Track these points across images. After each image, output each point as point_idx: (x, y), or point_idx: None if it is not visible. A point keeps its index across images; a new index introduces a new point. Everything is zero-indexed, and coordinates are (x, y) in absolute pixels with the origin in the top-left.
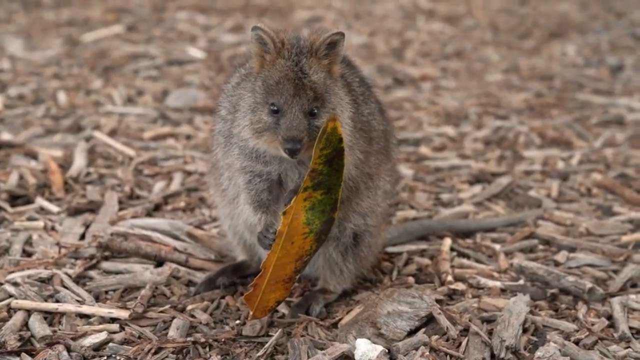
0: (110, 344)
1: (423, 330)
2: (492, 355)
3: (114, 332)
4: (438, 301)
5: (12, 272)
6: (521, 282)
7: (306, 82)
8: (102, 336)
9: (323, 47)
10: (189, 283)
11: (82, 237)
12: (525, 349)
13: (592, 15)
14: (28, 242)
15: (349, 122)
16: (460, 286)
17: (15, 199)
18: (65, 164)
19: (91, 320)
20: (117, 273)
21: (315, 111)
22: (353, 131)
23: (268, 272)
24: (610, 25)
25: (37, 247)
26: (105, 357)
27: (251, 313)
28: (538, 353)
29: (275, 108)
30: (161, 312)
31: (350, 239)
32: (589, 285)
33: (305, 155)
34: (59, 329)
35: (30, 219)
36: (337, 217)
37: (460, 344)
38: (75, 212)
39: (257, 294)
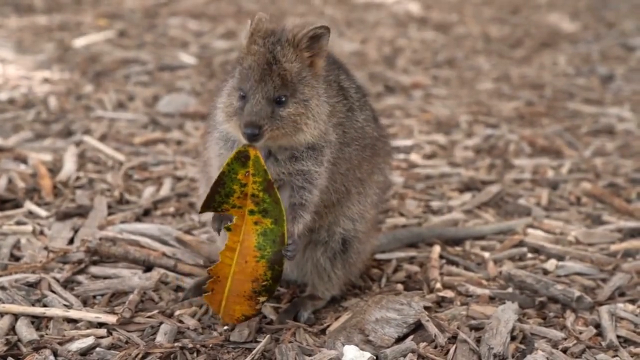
0: (98, 349)
1: (411, 337)
2: None
3: (102, 337)
4: (426, 308)
5: (0, 276)
6: (510, 290)
7: (275, 69)
8: (90, 341)
9: (305, 39)
10: (178, 288)
11: (71, 241)
12: (513, 357)
13: (583, 25)
14: (16, 246)
15: (324, 119)
16: (448, 293)
17: (3, 202)
18: (54, 169)
19: (79, 324)
20: (105, 278)
21: (283, 99)
22: (336, 130)
23: (226, 282)
24: (601, 35)
25: (25, 251)
26: None
27: (220, 315)
28: None
29: (243, 94)
30: (149, 317)
31: (339, 244)
32: (577, 293)
33: (271, 144)
34: (46, 334)
35: (18, 222)
36: (327, 221)
37: (448, 351)
38: (64, 216)
39: (219, 299)
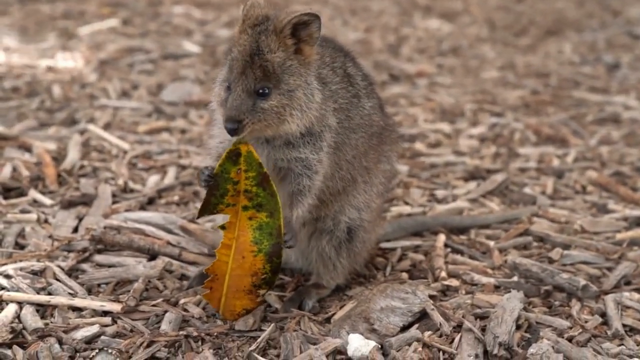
0: (102, 337)
1: (416, 325)
2: (485, 352)
3: (106, 325)
4: (431, 297)
5: (5, 264)
6: (515, 278)
7: (256, 60)
8: (94, 329)
9: (289, 27)
10: (182, 277)
11: (75, 230)
12: (518, 346)
13: (588, 13)
14: (21, 234)
15: (316, 107)
16: (453, 282)
17: (8, 191)
18: (59, 157)
19: (83, 313)
20: (109, 266)
21: (266, 91)
22: (338, 114)
23: (224, 279)
24: (606, 23)
25: (30, 239)
26: (97, 350)
27: (220, 312)
28: (531, 350)
29: (228, 85)
30: (154, 305)
31: (345, 233)
32: (582, 282)
33: (259, 135)
34: (51, 322)
35: (23, 211)
36: (333, 210)
37: (453, 340)
38: (68, 205)
39: (218, 296)
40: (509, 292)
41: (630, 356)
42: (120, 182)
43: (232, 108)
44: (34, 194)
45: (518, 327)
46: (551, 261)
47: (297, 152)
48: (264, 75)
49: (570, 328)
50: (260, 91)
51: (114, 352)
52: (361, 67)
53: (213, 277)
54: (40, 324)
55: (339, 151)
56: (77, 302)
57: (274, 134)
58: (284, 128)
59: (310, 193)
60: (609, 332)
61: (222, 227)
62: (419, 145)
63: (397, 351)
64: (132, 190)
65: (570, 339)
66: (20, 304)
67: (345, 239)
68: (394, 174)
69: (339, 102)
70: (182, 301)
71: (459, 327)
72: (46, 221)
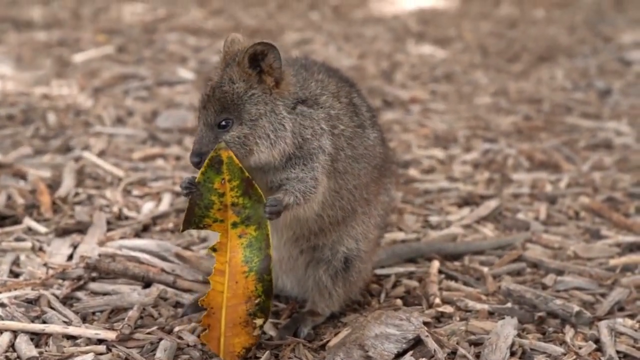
0: None
1: (410, 352)
2: None
3: (101, 354)
4: (426, 324)
5: None
6: (509, 305)
7: (215, 94)
8: (89, 358)
9: (245, 58)
10: (177, 304)
11: (70, 257)
12: None
13: (580, 39)
14: (15, 262)
15: (288, 134)
16: (448, 309)
17: (3, 219)
18: (53, 185)
19: (78, 341)
20: (104, 294)
21: (228, 123)
22: (337, 140)
23: (220, 313)
24: (598, 49)
25: (25, 267)
26: None
27: (221, 356)
28: None
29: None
30: (148, 333)
31: (342, 263)
32: (576, 308)
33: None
34: (46, 350)
35: (18, 239)
36: (331, 240)
37: None
38: (63, 232)
39: (216, 335)
40: (503, 318)
41: None
42: (115, 209)
43: (194, 142)
44: (28, 221)
45: (512, 354)
46: (545, 287)
47: (288, 173)
48: (222, 108)
49: (564, 354)
50: (223, 123)
51: None
52: (366, 99)
53: (209, 311)
54: (34, 352)
55: (340, 179)
56: (72, 330)
57: (246, 165)
58: (253, 159)
59: (304, 198)
60: (603, 359)
61: (214, 249)
62: (412, 172)
63: None
64: (126, 218)
65: None
66: (15, 332)
67: (342, 269)
68: (393, 206)
69: (339, 128)
70: (176, 329)
71: (453, 354)
72: (41, 249)
